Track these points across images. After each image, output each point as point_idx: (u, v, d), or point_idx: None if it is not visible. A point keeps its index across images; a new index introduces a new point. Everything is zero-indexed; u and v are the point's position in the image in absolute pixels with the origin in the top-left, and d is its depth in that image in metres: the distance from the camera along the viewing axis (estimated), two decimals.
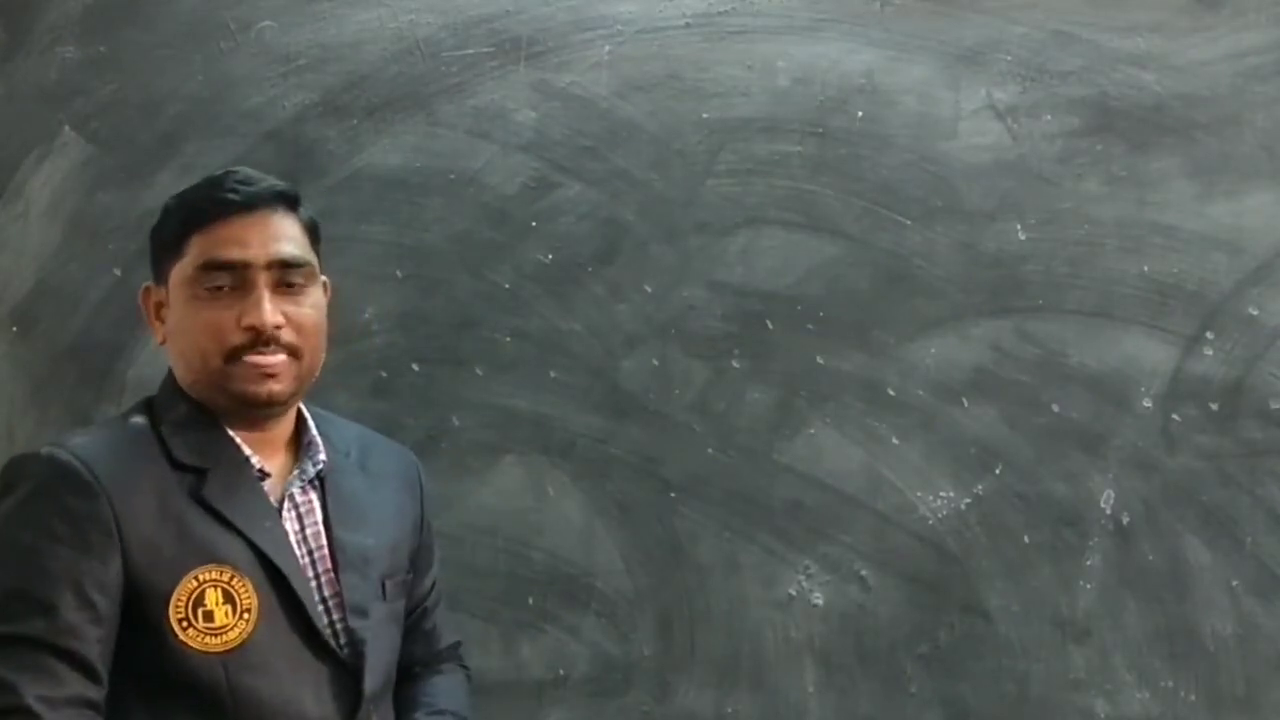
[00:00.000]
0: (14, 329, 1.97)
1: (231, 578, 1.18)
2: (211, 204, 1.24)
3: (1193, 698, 1.73)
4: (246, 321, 1.21)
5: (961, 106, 1.82)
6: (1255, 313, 1.75)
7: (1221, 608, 1.73)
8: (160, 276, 1.27)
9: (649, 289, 1.85)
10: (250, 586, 1.19)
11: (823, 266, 1.83)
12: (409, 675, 1.40)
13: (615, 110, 1.88)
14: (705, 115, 1.85)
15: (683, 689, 1.82)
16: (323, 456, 1.31)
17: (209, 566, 1.18)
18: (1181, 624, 1.74)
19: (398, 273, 1.89)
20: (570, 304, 1.86)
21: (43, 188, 1.97)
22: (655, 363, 1.84)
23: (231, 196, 1.23)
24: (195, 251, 1.23)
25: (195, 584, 1.17)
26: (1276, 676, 1.72)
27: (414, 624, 1.41)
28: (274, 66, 1.93)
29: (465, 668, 1.50)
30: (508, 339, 1.87)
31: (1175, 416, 1.76)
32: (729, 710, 1.81)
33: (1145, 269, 1.77)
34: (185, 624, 1.16)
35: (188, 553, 1.18)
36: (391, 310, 1.88)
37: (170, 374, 1.28)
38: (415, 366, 1.88)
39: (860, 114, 1.83)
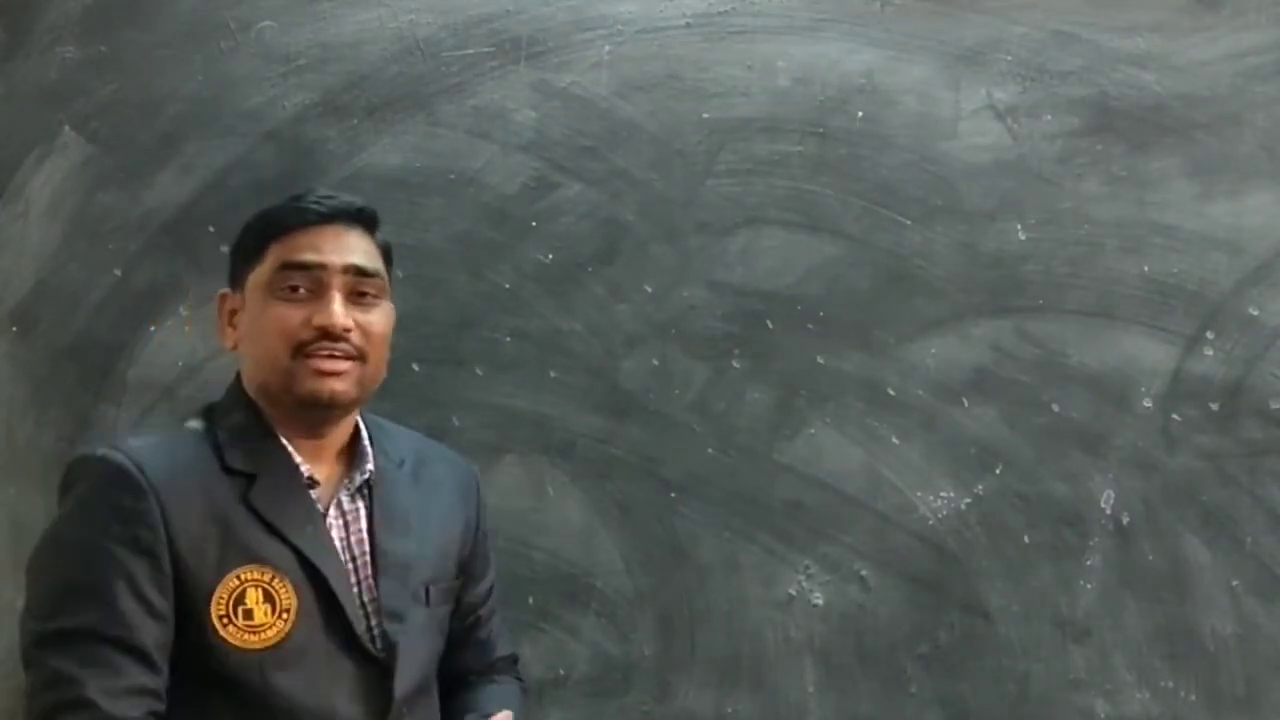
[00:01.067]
0: (14, 329, 1.97)
1: (272, 578, 1.22)
2: (293, 214, 1.30)
3: (1193, 698, 1.73)
4: (317, 321, 1.25)
5: (961, 106, 1.82)
6: (1255, 313, 1.75)
7: (1221, 608, 1.73)
8: (237, 284, 1.32)
9: (649, 289, 1.85)
10: (290, 587, 1.22)
11: (823, 266, 1.83)
12: (463, 684, 1.43)
13: (615, 110, 1.88)
14: (705, 115, 1.85)
15: (683, 689, 1.82)
16: (370, 466, 1.34)
17: (250, 566, 1.21)
18: (1181, 624, 1.74)
19: (398, 273, 1.88)
20: (570, 304, 1.86)
21: (43, 188, 1.97)
22: (655, 363, 1.84)
23: (314, 207, 1.30)
24: (273, 257, 1.28)
25: (237, 582, 1.21)
26: (1276, 676, 1.72)
27: (467, 632, 1.44)
28: (274, 66, 1.93)
29: (520, 680, 1.52)
30: (508, 339, 1.87)
31: (1175, 416, 1.76)
32: (729, 710, 1.81)
33: (1145, 269, 1.77)
34: (225, 620, 1.19)
35: (231, 553, 1.21)
36: None
37: (236, 381, 1.33)
38: (415, 366, 1.88)
39: (860, 114, 1.83)
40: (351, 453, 1.35)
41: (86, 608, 1.15)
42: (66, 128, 1.97)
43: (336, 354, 1.26)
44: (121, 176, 1.94)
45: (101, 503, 1.19)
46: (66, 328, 1.95)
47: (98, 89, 1.96)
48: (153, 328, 1.91)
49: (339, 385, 1.27)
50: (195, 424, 1.30)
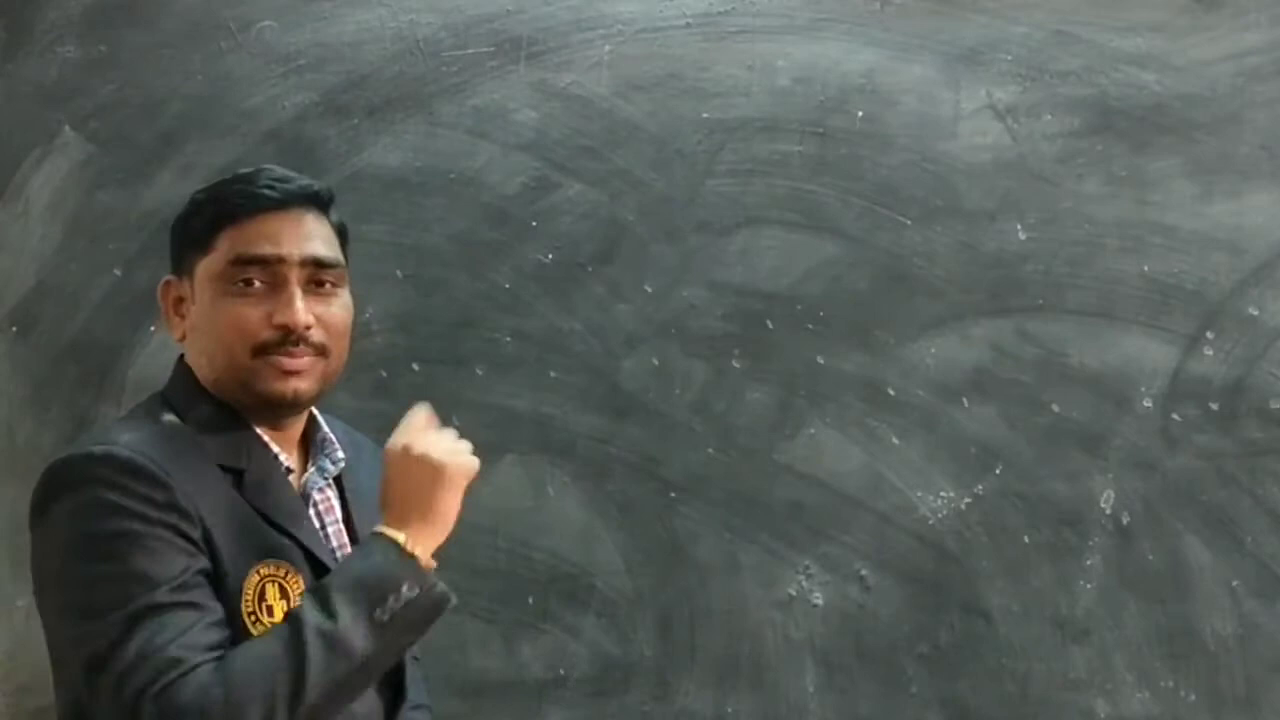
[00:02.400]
0: (14, 329, 1.97)
1: (286, 573, 1.17)
2: (245, 199, 1.21)
3: (1193, 698, 1.73)
4: (279, 320, 1.18)
5: (961, 106, 1.82)
6: (1255, 313, 1.75)
7: (1221, 608, 1.73)
8: (183, 270, 1.23)
9: (649, 289, 1.85)
10: (300, 582, 1.17)
11: (823, 266, 1.83)
12: None
13: (615, 110, 1.87)
14: (705, 115, 1.85)
15: (683, 689, 1.82)
16: (341, 455, 1.29)
17: (268, 561, 1.16)
18: (1181, 624, 1.74)
19: (398, 273, 1.89)
20: (570, 304, 1.86)
21: (43, 188, 1.97)
22: (655, 363, 1.84)
23: (267, 193, 1.21)
24: (226, 246, 1.19)
25: (258, 578, 1.14)
26: (1276, 676, 1.72)
27: None
28: (274, 66, 1.93)
29: (416, 658, 1.48)
30: (508, 339, 1.87)
31: (1175, 416, 1.76)
32: (729, 710, 1.81)
33: (1145, 269, 1.77)
34: (254, 619, 1.13)
35: (248, 547, 1.15)
36: (391, 310, 1.88)
37: (185, 372, 1.25)
38: (415, 366, 1.88)
39: (860, 114, 1.83)
40: (307, 440, 1.30)
41: (148, 586, 1.05)
42: (66, 128, 1.97)
43: (297, 352, 1.20)
44: (121, 176, 1.94)
45: (126, 496, 1.08)
46: (66, 328, 1.95)
47: (98, 89, 1.96)
48: (153, 328, 1.91)
49: (301, 385, 1.20)
50: (170, 417, 1.20)
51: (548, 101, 1.87)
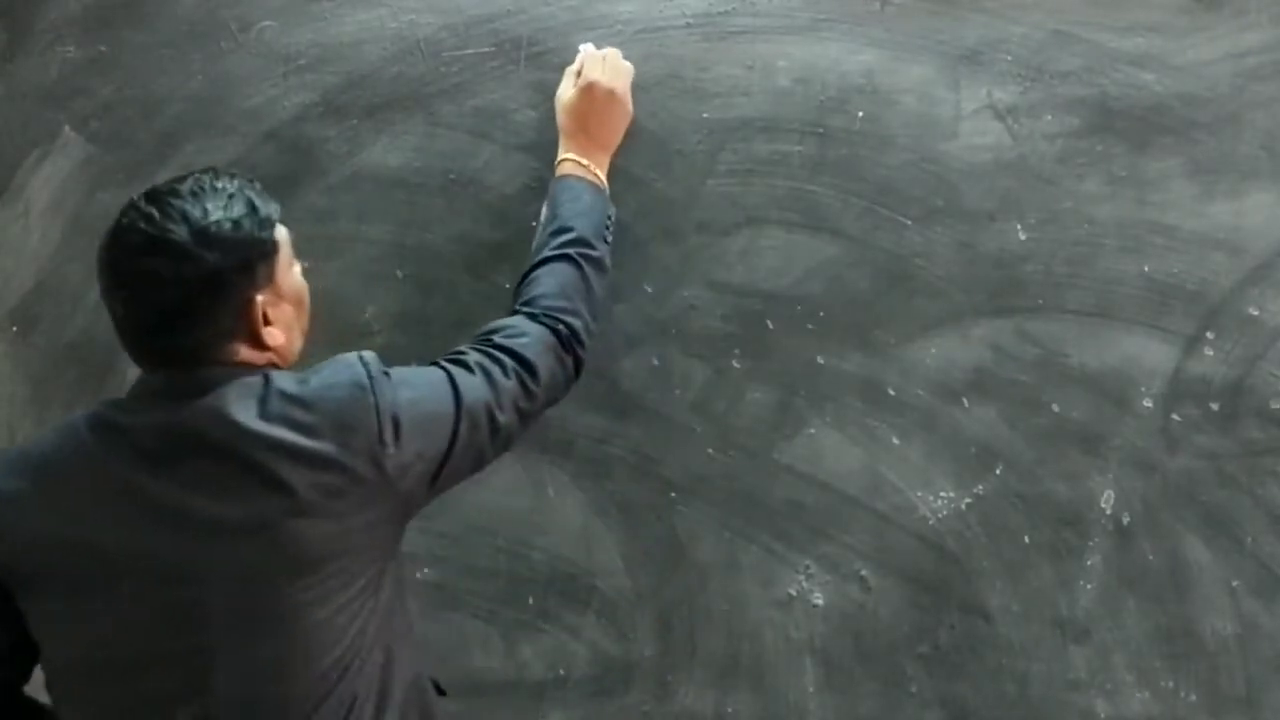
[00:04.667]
0: (14, 329, 1.97)
1: None
2: (270, 197, 1.36)
3: (1193, 698, 1.73)
4: None
5: (962, 106, 1.82)
6: (1255, 313, 1.75)
7: (1221, 608, 1.73)
8: (261, 282, 1.30)
9: (649, 289, 1.85)
10: None
11: (823, 266, 1.83)
12: None
13: None
14: (705, 115, 1.85)
15: (683, 689, 1.82)
16: None
17: None
18: (1181, 624, 1.74)
19: (398, 273, 1.89)
20: None
21: (43, 188, 1.98)
22: (655, 363, 1.84)
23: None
24: (283, 238, 1.34)
25: None
26: (1276, 676, 1.72)
27: None
28: (274, 66, 1.93)
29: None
30: None
31: (1175, 416, 1.76)
32: (729, 710, 1.81)
33: (1145, 269, 1.77)
34: None
35: None
36: (391, 310, 1.89)
37: (279, 370, 1.33)
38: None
39: (860, 114, 1.83)
40: None
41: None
42: (66, 128, 1.97)
43: None
44: (121, 176, 1.94)
45: None
46: (66, 328, 1.95)
47: (98, 89, 1.96)
48: None
49: None
50: None
51: (548, 101, 1.87)
